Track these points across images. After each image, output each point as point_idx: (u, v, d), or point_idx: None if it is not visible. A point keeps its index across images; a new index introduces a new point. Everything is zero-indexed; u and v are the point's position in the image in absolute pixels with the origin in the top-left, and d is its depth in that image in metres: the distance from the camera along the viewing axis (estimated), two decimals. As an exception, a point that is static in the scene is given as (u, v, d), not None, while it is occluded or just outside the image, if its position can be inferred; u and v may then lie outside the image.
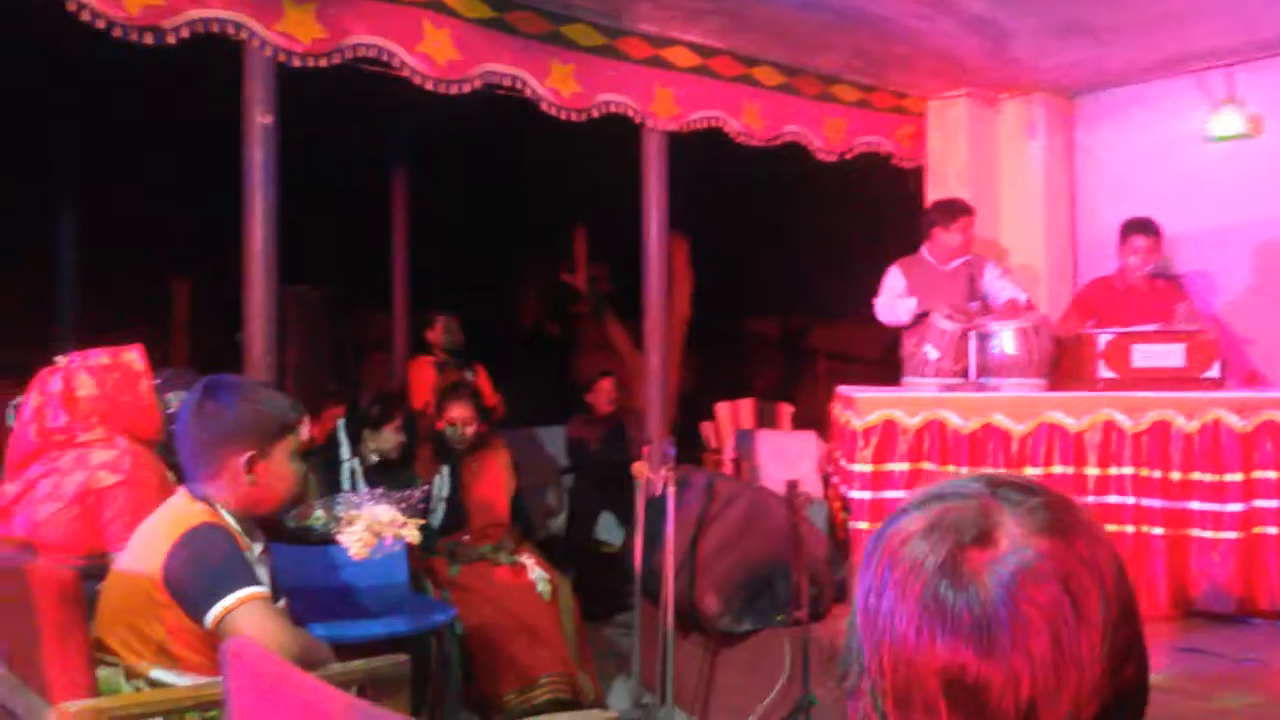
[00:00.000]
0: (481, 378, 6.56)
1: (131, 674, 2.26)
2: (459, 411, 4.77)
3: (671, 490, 4.21)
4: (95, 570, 2.55)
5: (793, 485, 4.05)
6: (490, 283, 9.42)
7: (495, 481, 4.87)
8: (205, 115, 4.95)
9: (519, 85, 4.61)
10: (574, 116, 4.79)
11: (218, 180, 4.49)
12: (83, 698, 2.13)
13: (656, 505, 4.32)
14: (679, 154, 5.28)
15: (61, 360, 3.11)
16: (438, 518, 4.56)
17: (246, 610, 2.23)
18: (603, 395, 6.87)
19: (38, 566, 2.26)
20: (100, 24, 3.52)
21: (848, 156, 5.87)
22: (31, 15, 3.66)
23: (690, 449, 7.23)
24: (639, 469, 4.41)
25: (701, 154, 5.55)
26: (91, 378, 3.07)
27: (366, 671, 2.46)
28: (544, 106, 4.70)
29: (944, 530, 0.85)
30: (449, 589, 4.24)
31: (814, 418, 7.32)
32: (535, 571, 4.44)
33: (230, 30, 3.84)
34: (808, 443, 6.93)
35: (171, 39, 3.70)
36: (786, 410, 7.94)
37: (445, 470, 4.70)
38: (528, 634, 4.24)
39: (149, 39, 3.66)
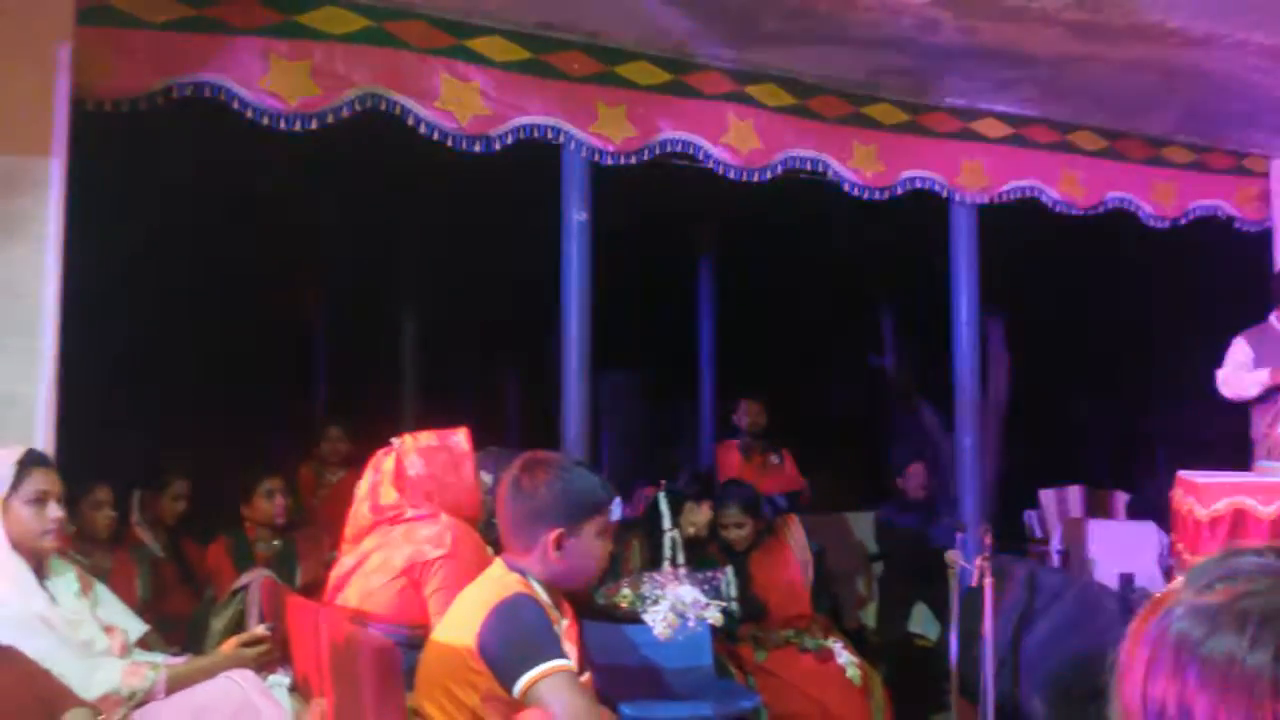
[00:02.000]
0: (788, 462, 6.53)
1: (445, 740, 2.35)
2: (730, 515, 4.64)
3: (989, 581, 3.97)
4: (417, 640, 2.69)
5: (1128, 579, 3.73)
6: (799, 366, 9.41)
7: (789, 569, 4.72)
8: (521, 215, 5.31)
9: (820, 169, 4.62)
10: (877, 196, 4.74)
11: (540, 274, 4.78)
12: (398, 763, 2.24)
13: (973, 597, 4.08)
14: (993, 228, 5.09)
15: (395, 442, 3.30)
16: (736, 609, 4.50)
17: (552, 682, 2.27)
18: (914, 480, 6.63)
19: (363, 635, 2.40)
20: (435, 135, 3.87)
21: (1182, 222, 5.45)
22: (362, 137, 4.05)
23: (1013, 539, 6.84)
24: (953, 557, 4.20)
25: (1018, 227, 5.32)
26: (421, 458, 3.22)
27: (665, 753, 2.45)
28: (845, 187, 4.68)
29: (1264, 621, 0.71)
30: (755, 674, 4.17)
31: (1152, 506, 6.76)
32: (844, 656, 4.28)
33: (550, 135, 4.10)
34: (1146, 533, 6.39)
35: (497, 145, 4.01)
36: (1121, 498, 7.40)
37: (729, 569, 4.48)
38: (837, 726, 4.09)
39: (477, 147, 3.97)
